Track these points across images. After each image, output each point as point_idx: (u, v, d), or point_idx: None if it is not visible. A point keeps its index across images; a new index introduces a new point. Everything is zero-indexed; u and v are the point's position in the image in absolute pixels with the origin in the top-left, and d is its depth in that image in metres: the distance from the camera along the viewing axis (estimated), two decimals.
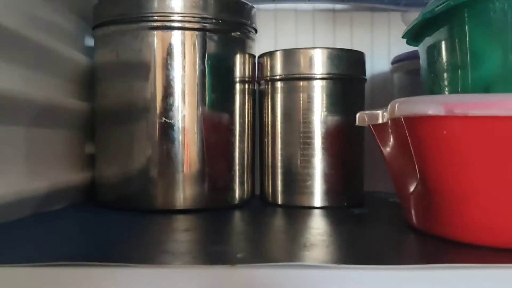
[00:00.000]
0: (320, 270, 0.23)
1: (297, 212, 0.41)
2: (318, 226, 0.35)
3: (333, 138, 0.43)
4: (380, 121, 0.32)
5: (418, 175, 0.30)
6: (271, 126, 0.45)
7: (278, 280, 0.23)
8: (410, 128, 0.28)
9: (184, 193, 0.40)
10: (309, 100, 0.43)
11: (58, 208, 0.40)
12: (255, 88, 0.46)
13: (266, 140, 0.45)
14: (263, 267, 0.23)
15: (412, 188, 0.32)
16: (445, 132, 0.26)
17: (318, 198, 0.43)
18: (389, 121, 0.31)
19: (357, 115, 0.35)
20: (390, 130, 0.32)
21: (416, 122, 0.27)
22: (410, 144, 0.29)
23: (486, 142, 0.25)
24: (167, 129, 0.40)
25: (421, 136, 0.27)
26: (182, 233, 0.32)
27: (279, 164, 0.44)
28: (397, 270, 0.23)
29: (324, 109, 0.43)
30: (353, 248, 0.28)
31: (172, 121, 0.40)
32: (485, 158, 0.26)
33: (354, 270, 0.23)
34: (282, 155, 0.44)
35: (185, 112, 0.40)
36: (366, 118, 0.34)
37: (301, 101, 0.43)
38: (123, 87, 0.40)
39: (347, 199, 0.44)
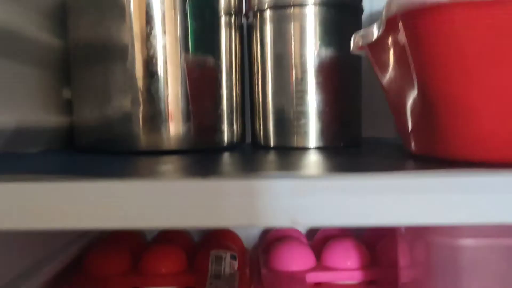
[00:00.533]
0: (305, 180, 0.20)
1: (291, 152, 0.38)
2: (313, 160, 0.32)
3: (327, 72, 0.40)
4: (375, 35, 0.29)
5: (417, 90, 0.26)
6: (261, 62, 0.41)
7: (254, 191, 0.20)
8: (409, 29, 0.24)
9: (167, 132, 0.37)
10: (301, 30, 0.39)
11: (33, 152, 0.37)
12: (243, 22, 0.43)
13: (255, 77, 0.42)
14: (239, 178, 0.20)
15: (410, 110, 0.28)
16: (448, 25, 0.22)
17: (313, 138, 0.40)
18: (385, 33, 0.27)
19: (352, 38, 0.32)
20: (387, 45, 0.28)
21: (415, 18, 0.24)
22: (409, 52, 0.25)
23: (499, 36, 0.22)
24: (146, 64, 0.36)
25: (421, 36, 0.24)
26: (167, 167, 0.29)
27: (270, 102, 0.41)
28: (397, 178, 0.21)
29: (318, 40, 0.39)
30: (349, 169, 0.26)
31: (151, 54, 0.36)
32: (496, 57, 0.22)
33: (345, 179, 0.20)
34: (273, 92, 0.41)
35: (166, 44, 0.37)
36: (361, 39, 0.31)
37: (292, 32, 0.39)
38: (97, 19, 0.37)
39: (344, 138, 0.41)
